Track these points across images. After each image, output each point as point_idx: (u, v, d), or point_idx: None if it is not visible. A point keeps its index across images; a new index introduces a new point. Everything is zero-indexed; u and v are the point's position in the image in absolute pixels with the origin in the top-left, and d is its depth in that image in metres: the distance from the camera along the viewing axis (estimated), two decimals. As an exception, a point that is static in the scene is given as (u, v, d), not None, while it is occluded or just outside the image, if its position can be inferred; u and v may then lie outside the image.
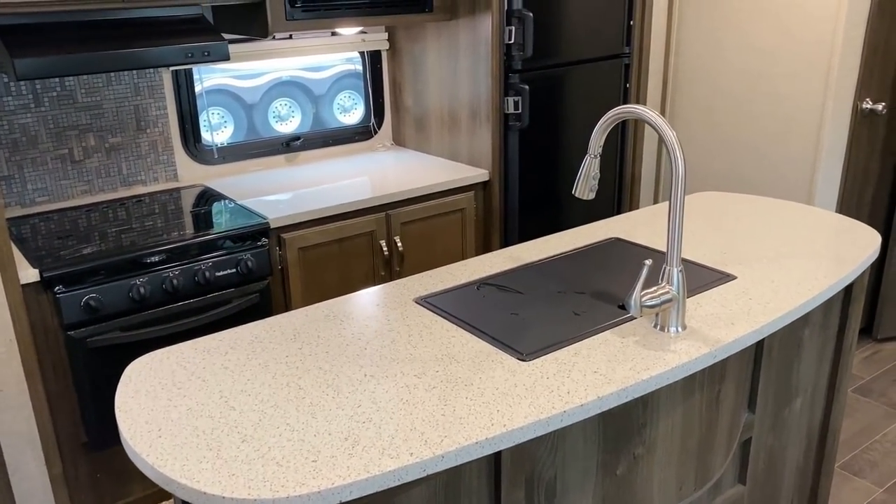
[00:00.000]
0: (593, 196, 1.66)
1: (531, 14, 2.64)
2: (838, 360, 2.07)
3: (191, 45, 2.19)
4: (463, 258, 2.86)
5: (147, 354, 1.46)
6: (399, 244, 2.64)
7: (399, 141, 3.28)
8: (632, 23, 3.02)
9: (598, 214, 3.18)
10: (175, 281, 2.14)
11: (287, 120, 3.10)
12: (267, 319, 1.61)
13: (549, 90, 2.85)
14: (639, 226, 2.14)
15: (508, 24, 2.66)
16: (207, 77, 2.82)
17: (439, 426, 1.20)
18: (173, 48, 2.16)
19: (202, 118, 2.83)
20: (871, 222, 3.22)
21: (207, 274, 2.20)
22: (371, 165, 2.96)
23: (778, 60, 2.95)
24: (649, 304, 1.47)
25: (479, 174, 2.81)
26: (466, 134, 2.89)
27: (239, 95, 2.97)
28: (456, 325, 1.56)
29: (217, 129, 2.91)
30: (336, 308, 1.65)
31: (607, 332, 1.52)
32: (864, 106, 2.96)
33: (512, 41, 2.67)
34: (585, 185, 1.64)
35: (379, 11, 2.62)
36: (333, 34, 3.00)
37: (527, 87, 2.73)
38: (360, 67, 3.19)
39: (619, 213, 3.26)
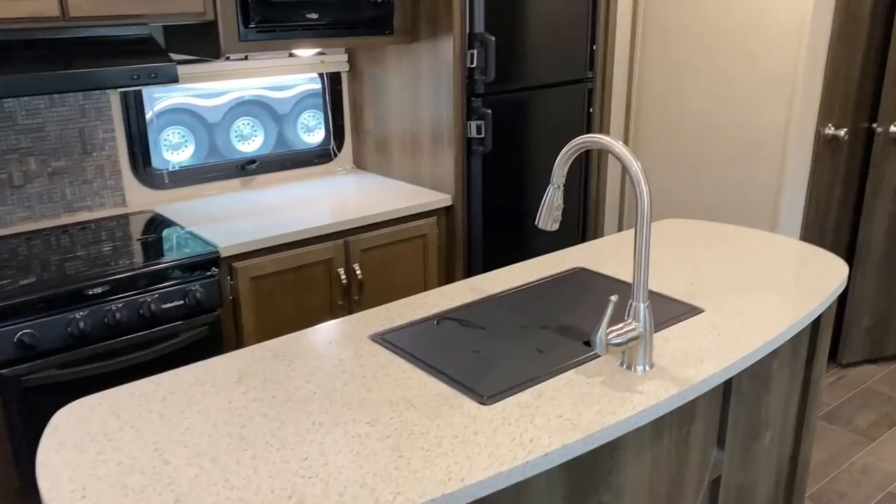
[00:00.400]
0: (557, 227, 1.59)
1: (493, 38, 2.59)
2: (807, 392, 2.03)
3: (137, 67, 2.09)
4: (425, 285, 2.77)
5: (77, 401, 1.35)
6: (358, 272, 2.55)
7: (360, 164, 3.19)
8: (595, 47, 2.99)
9: (562, 239, 3.13)
10: (118, 314, 2.03)
11: (249, 139, 3.01)
12: (211, 360, 1.51)
13: (513, 114, 2.79)
14: (604, 255, 2.08)
15: (471, 47, 2.61)
16: (167, 96, 2.72)
17: (392, 481, 1.11)
18: (119, 70, 2.06)
19: (161, 138, 2.73)
20: (833, 247, 3.22)
21: (153, 306, 2.08)
22: (330, 189, 2.87)
23: (742, 85, 2.94)
24: (615, 342, 1.40)
25: (442, 199, 2.74)
26: (429, 158, 2.82)
27: (200, 115, 2.87)
28: (413, 364, 1.47)
29: (177, 149, 2.81)
30: (285, 347, 1.55)
31: (572, 371, 1.45)
32: (826, 131, 2.95)
33: (474, 65, 2.61)
34: (549, 216, 1.57)
35: (337, 33, 2.55)
36: (291, 55, 2.92)
37: (489, 111, 2.67)
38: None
39: (584, 237, 3.21)
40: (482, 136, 2.69)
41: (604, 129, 3.12)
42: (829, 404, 3.10)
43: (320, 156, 3.14)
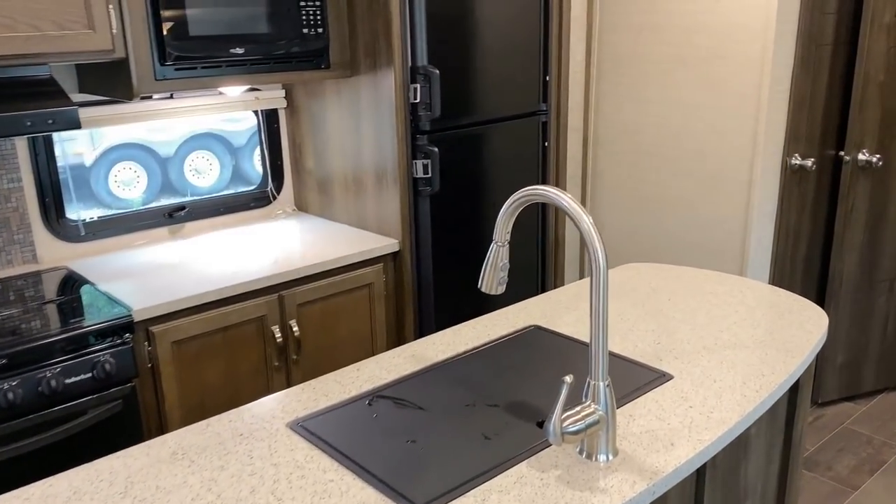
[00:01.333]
0: (503, 289, 1.38)
1: (437, 71, 2.40)
2: (788, 455, 1.84)
3: (32, 113, 1.85)
4: (372, 338, 2.55)
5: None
6: (295, 329, 2.32)
7: (302, 206, 2.97)
8: (548, 78, 2.82)
9: (519, 282, 2.93)
10: (12, 394, 1.77)
11: (205, 174, 2.81)
12: (98, 462, 1.27)
13: (462, 151, 2.60)
14: (561, 308, 1.89)
15: (413, 81, 2.41)
16: (117, 129, 2.53)
17: None
18: (10, 116, 1.82)
19: (112, 175, 2.52)
20: (805, 280, 3.07)
21: (54, 382, 1.83)
22: (267, 236, 2.64)
23: (704, 116, 2.79)
24: (572, 429, 1.19)
25: (388, 244, 2.52)
26: (373, 199, 2.61)
27: (152, 149, 2.67)
28: (337, 461, 1.25)
29: (130, 185, 2.60)
30: (188, 441, 1.32)
31: (524, 464, 1.23)
32: (793, 162, 2.81)
33: (418, 100, 2.42)
34: (493, 277, 1.37)
35: (268, 69, 2.34)
36: (222, 92, 2.70)
37: (436, 149, 2.47)
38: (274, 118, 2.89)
39: (542, 281, 3.02)
40: (429, 175, 2.49)
41: (560, 164, 2.95)
42: (807, 449, 2.93)
43: (258, 199, 2.91)
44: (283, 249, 2.48)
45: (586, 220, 1.20)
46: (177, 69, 2.15)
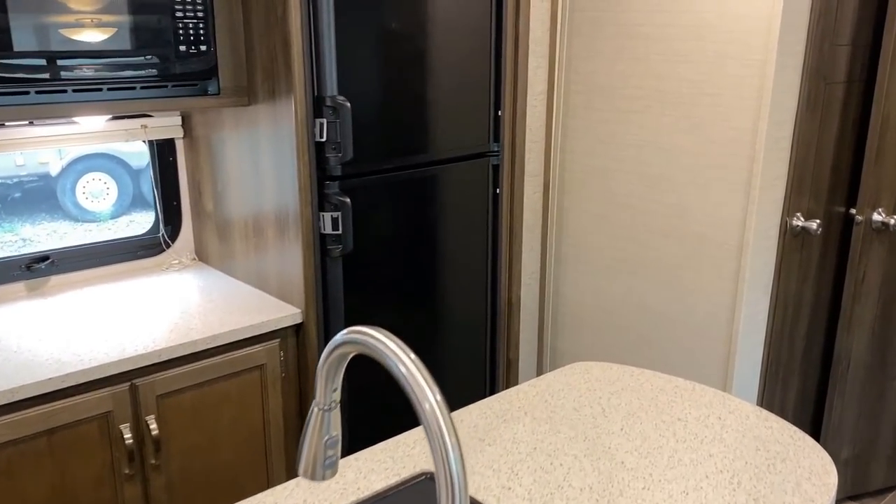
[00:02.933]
0: (334, 474, 0.88)
1: (349, 104, 1.91)
2: None
3: None
4: (265, 434, 2.05)
5: None
6: (153, 427, 1.82)
7: (203, 255, 2.47)
8: (500, 113, 2.33)
9: (460, 361, 2.43)
10: None
11: (101, 197, 2.32)
12: None
13: (386, 202, 2.10)
14: (475, 440, 1.38)
15: (319, 115, 1.92)
16: None
17: None
18: None
19: None
20: (804, 364, 2.56)
21: None
22: (146, 297, 2.14)
23: (687, 163, 2.29)
24: None
25: (287, 315, 2.02)
26: (274, 256, 2.11)
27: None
28: None
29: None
30: None
31: None
32: (794, 223, 2.31)
33: (324, 139, 1.93)
34: (315, 456, 0.87)
35: (132, 94, 1.85)
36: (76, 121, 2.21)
37: (348, 199, 1.98)
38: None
39: (492, 349, 2.52)
40: (339, 231, 1.99)
41: (514, 215, 2.45)
42: (802, 570, 2.41)
43: (148, 247, 2.41)
44: (151, 319, 1.98)
45: (431, 399, 0.70)
46: (0, 94, 1.66)
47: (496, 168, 2.38)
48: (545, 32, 2.43)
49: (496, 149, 2.36)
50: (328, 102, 1.90)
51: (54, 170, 2.23)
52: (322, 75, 1.90)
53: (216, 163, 2.27)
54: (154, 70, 1.85)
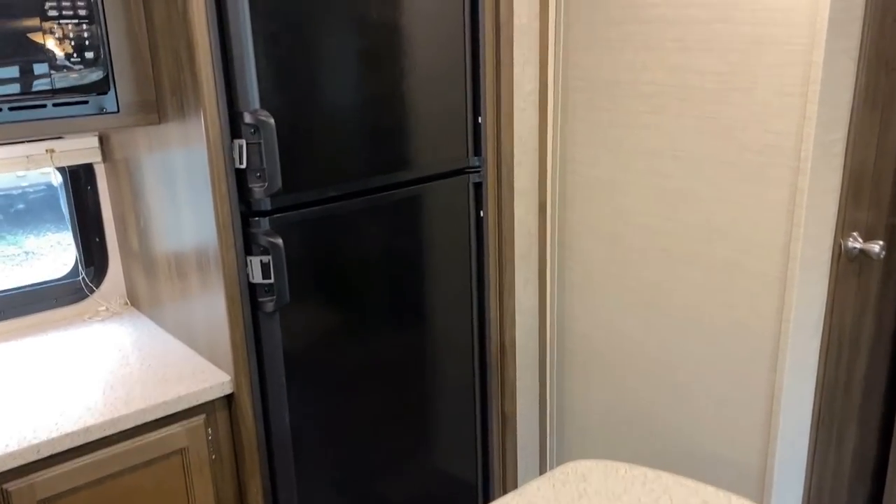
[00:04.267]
0: None
1: (272, 120, 1.49)
2: None
3: None
4: (190, 529, 1.65)
5: None
6: (33, 542, 1.43)
7: (135, 299, 2.08)
8: (480, 120, 1.90)
9: (449, 413, 2.01)
10: None
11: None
12: None
13: (332, 239, 1.69)
14: None
15: (237, 135, 1.51)
16: None
17: None
18: None
19: None
20: (862, 414, 2.10)
21: None
22: (43, 363, 1.76)
23: (714, 176, 1.85)
24: None
25: (213, 385, 1.62)
26: (200, 306, 1.71)
27: None
28: None
29: None
30: None
31: None
32: (850, 245, 1.86)
33: (244, 165, 1.51)
34: None
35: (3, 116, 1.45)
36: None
37: (280, 241, 1.57)
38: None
39: (483, 403, 2.09)
40: (271, 280, 1.58)
41: (504, 242, 2.02)
42: None
43: (68, 293, 2.03)
44: (49, 395, 1.59)
45: None
46: None
47: (478, 186, 1.95)
48: (533, 18, 1.98)
49: (477, 163, 1.93)
50: (247, 119, 1.49)
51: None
52: (237, 84, 1.48)
53: (136, 192, 1.87)
54: (23, 86, 1.45)
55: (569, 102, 2.09)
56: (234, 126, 1.51)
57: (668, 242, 1.98)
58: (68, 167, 1.96)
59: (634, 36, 1.93)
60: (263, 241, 1.56)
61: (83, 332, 1.94)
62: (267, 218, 1.57)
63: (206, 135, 1.49)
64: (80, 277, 2.03)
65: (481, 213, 1.97)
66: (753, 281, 1.83)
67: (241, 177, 1.54)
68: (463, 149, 1.90)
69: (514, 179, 2.02)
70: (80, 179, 1.98)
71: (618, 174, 2.04)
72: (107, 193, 2.03)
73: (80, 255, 2.03)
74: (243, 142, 1.50)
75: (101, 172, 2.01)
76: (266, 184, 1.52)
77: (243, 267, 1.59)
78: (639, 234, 2.04)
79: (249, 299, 1.61)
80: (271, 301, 1.59)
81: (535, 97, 2.04)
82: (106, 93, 1.57)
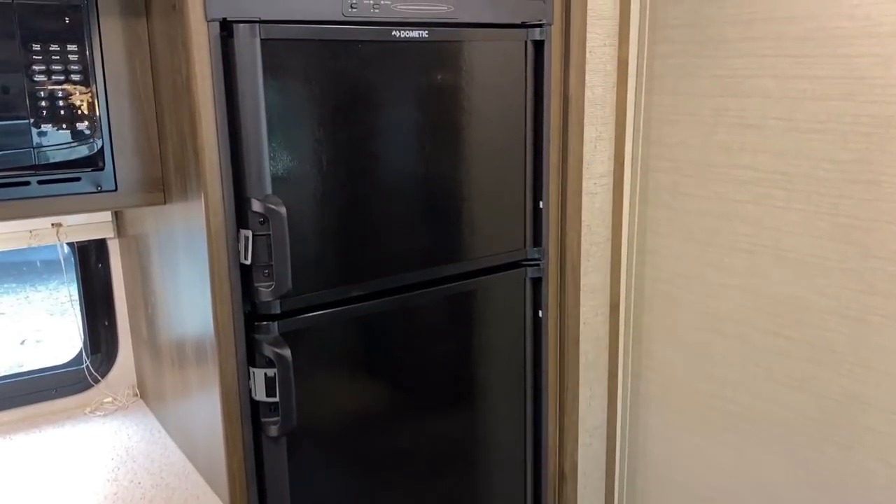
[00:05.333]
0: None
1: (284, 209, 1.23)
2: None
3: None
4: None
5: None
6: None
7: (145, 392, 1.84)
8: (541, 205, 1.61)
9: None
10: None
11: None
12: None
13: (353, 349, 1.41)
14: None
15: (243, 225, 1.26)
16: None
17: None
18: None
19: None
20: None
21: None
22: (25, 468, 1.53)
23: (831, 286, 1.50)
24: None
25: (207, 516, 1.35)
26: (199, 415, 1.44)
27: None
28: None
29: None
30: None
31: None
32: None
33: (248, 261, 1.26)
34: None
35: (-25, 194, 1.25)
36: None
37: (287, 352, 1.29)
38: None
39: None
40: (275, 399, 1.30)
41: (568, 346, 1.70)
42: None
43: (71, 382, 1.81)
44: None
45: None
46: None
47: (537, 282, 1.65)
48: (609, 89, 1.69)
49: (536, 255, 1.63)
50: (255, 207, 1.24)
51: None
52: (247, 166, 1.24)
53: (145, 273, 1.65)
54: (3, 159, 1.25)
55: (649, 186, 1.78)
56: (242, 214, 1.26)
57: (768, 360, 1.62)
58: (77, 244, 1.76)
59: (730, 111, 1.62)
60: (269, 351, 1.29)
61: (80, 429, 1.71)
62: (275, 323, 1.30)
63: (206, 223, 1.24)
64: (85, 366, 1.81)
65: (539, 314, 1.66)
66: (879, 418, 1.45)
67: (247, 272, 1.28)
68: (519, 238, 1.61)
69: (581, 275, 1.71)
70: (89, 256, 1.77)
71: (708, 273, 1.71)
72: (120, 272, 1.81)
73: (85, 339, 1.81)
74: (249, 233, 1.24)
75: (114, 248, 1.80)
76: (273, 284, 1.25)
77: (245, 379, 1.32)
78: (732, 347, 1.68)
79: (251, 418, 1.34)
80: (275, 424, 1.32)
81: (609, 179, 1.73)
82: (102, 168, 1.35)
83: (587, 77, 1.61)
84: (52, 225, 1.69)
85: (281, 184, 1.26)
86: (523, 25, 1.51)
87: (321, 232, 1.32)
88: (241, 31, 1.18)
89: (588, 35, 1.59)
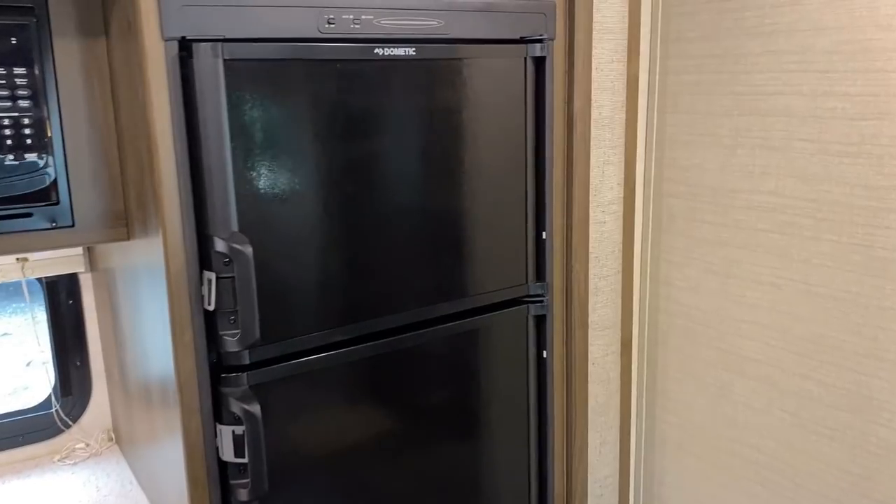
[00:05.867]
0: None
1: (250, 249, 1.10)
2: None
3: None
4: None
5: None
6: None
7: (120, 438, 1.71)
8: (544, 235, 1.47)
9: None
10: None
11: None
12: None
13: (336, 399, 1.27)
14: None
15: (207, 266, 1.13)
16: None
17: None
18: None
19: None
20: None
21: None
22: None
23: (866, 324, 1.34)
24: None
25: (172, 589, 1.21)
26: (168, 471, 1.30)
27: None
28: None
29: None
30: None
31: None
32: None
33: (211, 306, 1.12)
34: None
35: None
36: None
37: (256, 408, 1.16)
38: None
39: None
40: (244, 459, 1.17)
41: (576, 388, 1.55)
42: None
43: (40, 427, 1.68)
44: None
45: None
46: None
47: (540, 320, 1.51)
48: (618, 108, 1.55)
49: (539, 291, 1.49)
50: (218, 247, 1.10)
51: None
52: (210, 200, 1.10)
53: (115, 311, 1.52)
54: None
55: (662, 213, 1.63)
56: (206, 254, 1.13)
57: (797, 405, 1.47)
58: (45, 279, 1.64)
59: (751, 131, 1.47)
60: (236, 407, 1.15)
61: (47, 480, 1.58)
62: (245, 374, 1.17)
63: (165, 264, 1.11)
64: (54, 410, 1.68)
65: (544, 354, 1.52)
66: (926, 476, 1.30)
67: (212, 318, 1.15)
68: (521, 273, 1.46)
69: (589, 310, 1.56)
70: (58, 292, 1.65)
71: (728, 307, 1.56)
72: (93, 308, 1.69)
73: (56, 381, 1.69)
74: (213, 275, 1.11)
75: (87, 283, 1.68)
76: (239, 332, 1.12)
77: (212, 437, 1.18)
78: (756, 389, 1.53)
79: (220, 480, 1.20)
80: (245, 488, 1.18)
81: (619, 206, 1.59)
82: (57, 203, 1.23)
83: (594, 96, 1.48)
84: (17, 259, 1.57)
85: (250, 220, 1.13)
86: (522, 41, 1.38)
87: (298, 272, 1.19)
88: (201, 50, 1.06)
89: (594, 50, 1.46)
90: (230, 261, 1.10)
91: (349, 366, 1.27)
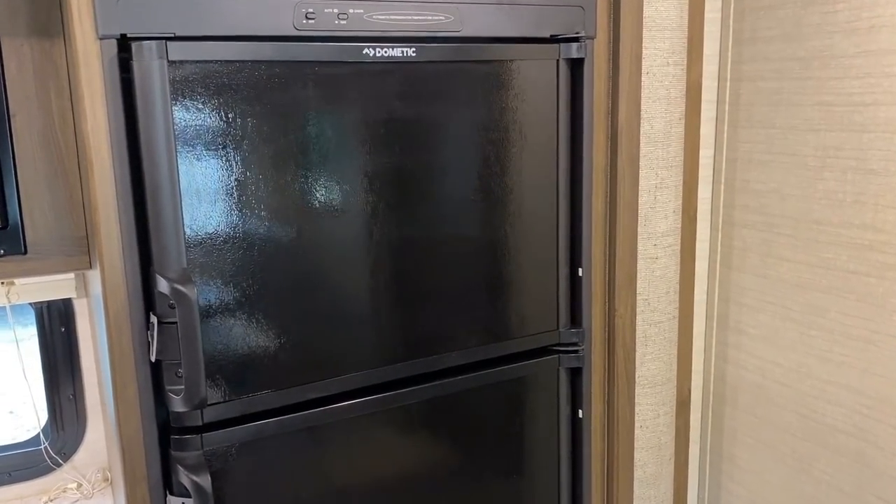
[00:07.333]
0: None
1: (194, 291, 0.91)
2: None
3: None
4: None
5: None
6: None
7: (116, 475, 1.56)
8: (580, 273, 1.22)
9: None
10: None
11: None
12: None
13: (311, 466, 1.07)
14: None
15: (155, 309, 0.94)
16: None
17: None
18: None
19: None
20: None
21: None
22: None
23: None
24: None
25: None
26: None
27: None
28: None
29: None
30: None
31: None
32: None
33: (154, 357, 0.94)
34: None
35: None
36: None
37: (207, 481, 0.96)
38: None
39: None
40: (195, 542, 0.97)
41: (620, 457, 1.30)
42: None
43: (30, 464, 1.55)
44: None
45: None
46: None
47: (575, 373, 1.26)
48: (674, 122, 1.29)
49: (574, 339, 1.24)
50: (161, 287, 0.92)
51: None
52: (154, 232, 0.92)
53: (95, 344, 1.37)
54: None
55: (733, 247, 1.36)
56: (146, 299, 0.95)
57: (893, 490, 1.17)
58: (34, 304, 1.51)
59: (842, 150, 1.19)
60: (184, 477, 0.96)
61: (29, 526, 1.44)
62: (199, 436, 0.98)
63: (104, 303, 0.94)
64: (43, 446, 1.54)
65: (579, 414, 1.27)
66: None
67: (153, 372, 0.96)
68: (551, 317, 1.22)
69: (637, 364, 1.30)
70: (48, 318, 1.52)
71: (810, 363, 1.27)
72: (89, 337, 1.55)
73: (48, 415, 1.56)
74: (154, 321, 0.93)
75: (81, 310, 1.54)
76: (183, 387, 0.93)
77: (161, 507, 1.00)
78: (844, 467, 1.24)
79: (172, 559, 1.01)
80: (195, 573, 0.98)
81: (675, 239, 1.32)
82: (4, 227, 1.07)
83: (643, 106, 1.22)
84: (3, 283, 1.44)
85: (201, 257, 0.94)
86: (554, 39, 1.14)
87: (263, 318, 1.00)
88: (143, 50, 0.87)
89: (644, 51, 1.21)
90: (171, 305, 0.91)
91: (327, 427, 1.06)
